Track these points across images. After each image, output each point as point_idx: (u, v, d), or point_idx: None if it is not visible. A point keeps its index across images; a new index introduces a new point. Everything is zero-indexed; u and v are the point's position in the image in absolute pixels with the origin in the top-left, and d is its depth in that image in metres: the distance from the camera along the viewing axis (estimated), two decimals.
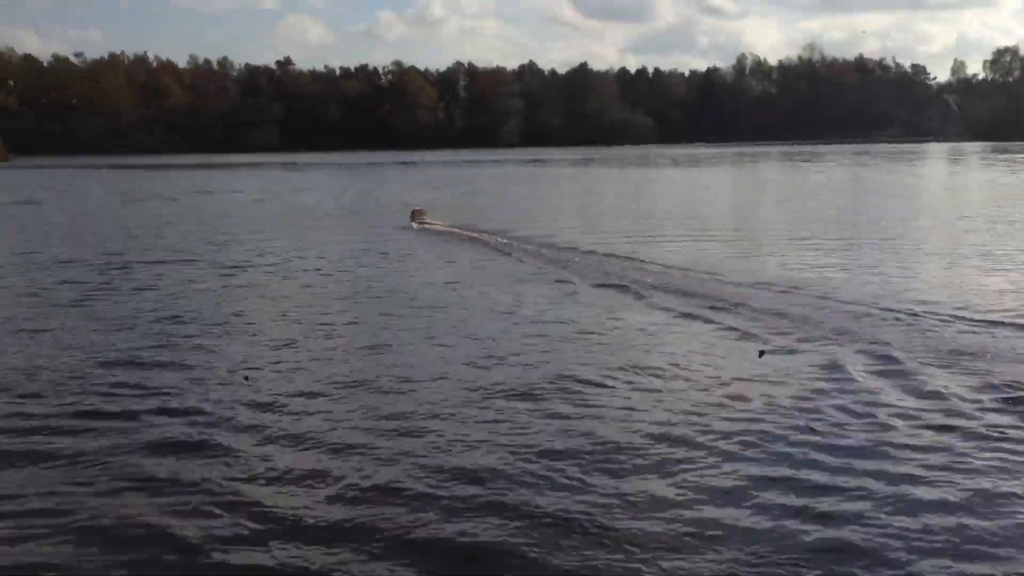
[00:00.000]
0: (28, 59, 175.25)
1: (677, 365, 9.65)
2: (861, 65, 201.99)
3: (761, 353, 10.17)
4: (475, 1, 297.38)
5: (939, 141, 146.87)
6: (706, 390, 8.74)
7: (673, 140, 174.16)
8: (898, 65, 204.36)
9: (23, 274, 17.50)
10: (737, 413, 7.97)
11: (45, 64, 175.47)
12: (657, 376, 9.24)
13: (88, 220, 30.79)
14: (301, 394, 8.84)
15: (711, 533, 5.65)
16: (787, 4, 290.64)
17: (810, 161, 75.82)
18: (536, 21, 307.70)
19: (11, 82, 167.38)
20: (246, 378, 9.56)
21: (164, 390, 8.99)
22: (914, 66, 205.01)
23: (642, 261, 17.54)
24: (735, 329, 11.31)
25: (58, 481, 6.67)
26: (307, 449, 7.30)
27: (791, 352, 10.13)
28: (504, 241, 21.51)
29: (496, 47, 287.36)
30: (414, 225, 26.70)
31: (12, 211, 35.27)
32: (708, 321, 11.80)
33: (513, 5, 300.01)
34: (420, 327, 11.89)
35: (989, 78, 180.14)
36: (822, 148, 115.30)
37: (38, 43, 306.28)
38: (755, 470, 6.64)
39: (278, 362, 10.14)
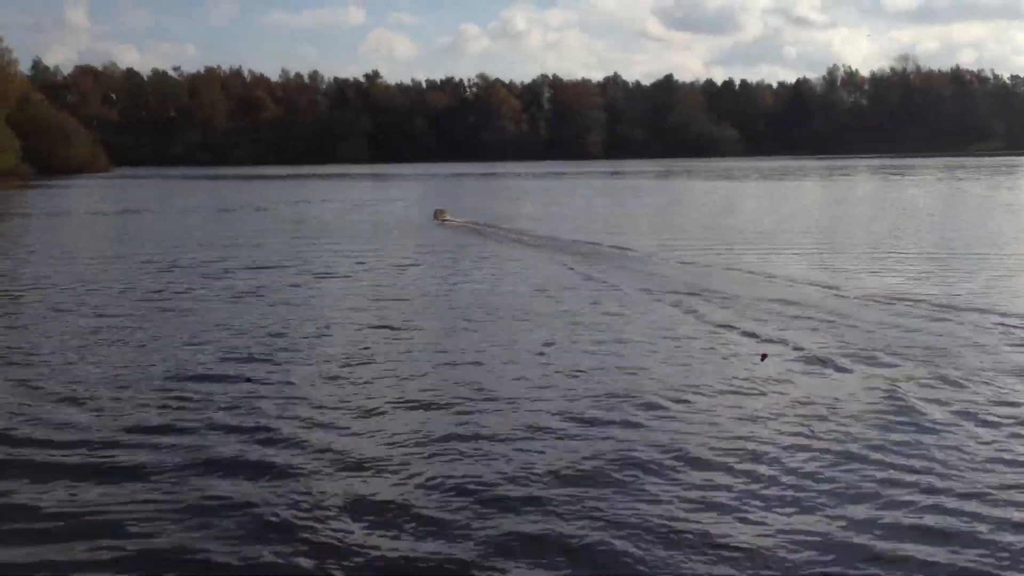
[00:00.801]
0: (130, 73, 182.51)
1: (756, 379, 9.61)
2: (957, 76, 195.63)
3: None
4: (559, 14, 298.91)
5: None
6: (789, 407, 8.69)
7: (760, 153, 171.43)
8: (996, 76, 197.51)
9: (124, 280, 18.23)
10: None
11: (145, 78, 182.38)
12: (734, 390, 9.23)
13: (186, 228, 31.91)
14: (390, 406, 9.07)
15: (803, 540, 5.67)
16: (878, 14, 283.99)
17: (903, 175, 73.77)
18: (620, 34, 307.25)
19: (113, 96, 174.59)
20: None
21: (239, 403, 9.17)
22: (1014, 77, 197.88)
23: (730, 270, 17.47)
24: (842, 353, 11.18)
25: (135, 497, 6.69)
26: (392, 469, 7.51)
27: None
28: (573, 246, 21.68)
29: (580, 59, 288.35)
30: (436, 222, 32.28)
31: (116, 220, 36.77)
32: (797, 347, 11.63)
33: (597, 18, 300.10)
34: (502, 337, 12.06)
35: None
36: (917, 161, 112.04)
37: (138, 58, 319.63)
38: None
39: (372, 376, 10.41)
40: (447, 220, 32.33)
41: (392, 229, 30.83)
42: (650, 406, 8.66)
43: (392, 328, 12.77)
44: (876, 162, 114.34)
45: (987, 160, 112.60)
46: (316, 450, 7.57)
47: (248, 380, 9.86)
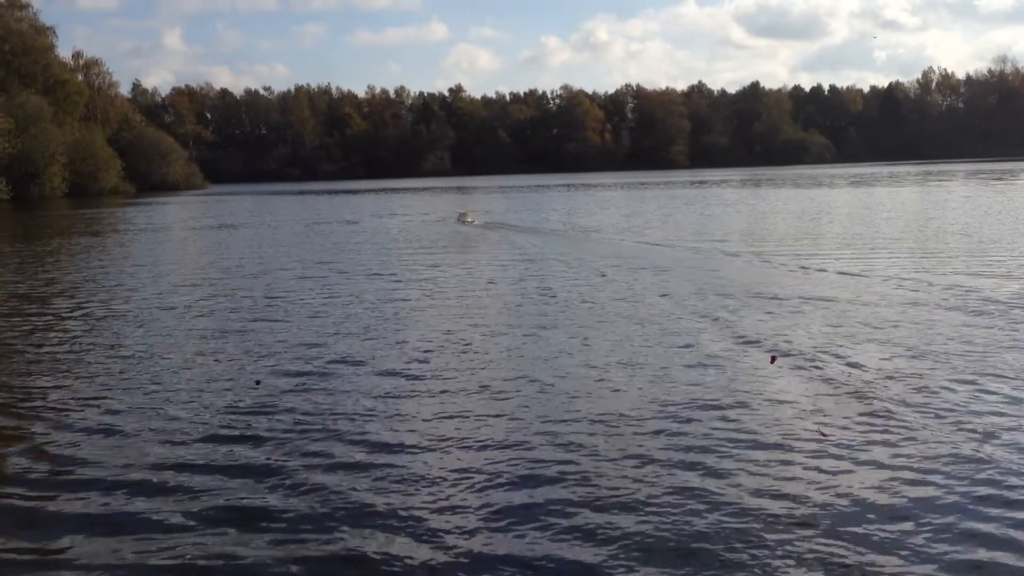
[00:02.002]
0: (223, 93, 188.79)
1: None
2: None
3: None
4: (640, 24, 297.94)
5: None
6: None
7: (851, 159, 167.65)
8: None
9: (220, 289, 18.87)
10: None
11: (238, 97, 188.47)
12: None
13: (280, 241, 32.80)
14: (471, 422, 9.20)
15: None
16: (971, 15, 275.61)
17: (1002, 178, 71.03)
18: (703, 42, 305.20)
19: (208, 115, 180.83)
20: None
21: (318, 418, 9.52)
22: None
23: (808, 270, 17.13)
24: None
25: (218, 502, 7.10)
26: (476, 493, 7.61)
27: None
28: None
29: (663, 69, 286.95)
30: (459, 222, 37.61)
31: (214, 234, 38.02)
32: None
33: (679, 27, 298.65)
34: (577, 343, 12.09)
35: None
36: (1018, 165, 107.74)
37: (231, 79, 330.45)
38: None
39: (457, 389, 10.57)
40: (468, 221, 37.57)
41: (472, 239, 31.16)
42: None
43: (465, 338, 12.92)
44: (974, 166, 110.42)
45: None
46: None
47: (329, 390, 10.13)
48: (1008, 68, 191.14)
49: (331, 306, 16.23)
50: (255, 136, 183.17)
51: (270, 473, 7.36)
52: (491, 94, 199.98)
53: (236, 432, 8.50)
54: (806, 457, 7.35)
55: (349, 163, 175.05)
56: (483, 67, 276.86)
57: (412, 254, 26.15)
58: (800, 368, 10.30)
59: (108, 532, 6.29)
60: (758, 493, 6.61)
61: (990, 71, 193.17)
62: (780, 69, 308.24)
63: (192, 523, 6.40)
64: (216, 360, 11.73)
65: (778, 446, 7.65)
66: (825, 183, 76.80)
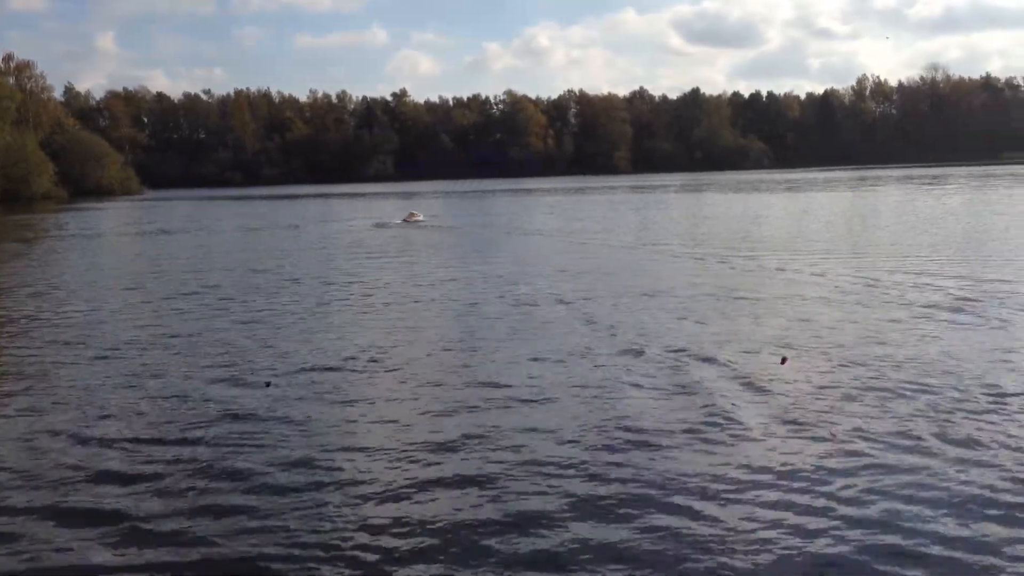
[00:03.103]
0: (160, 97, 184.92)
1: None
2: (988, 83, 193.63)
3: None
4: (581, 31, 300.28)
5: None
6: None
7: (789, 164, 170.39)
8: None
9: (148, 302, 18.46)
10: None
11: (175, 101, 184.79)
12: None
13: (214, 248, 32.24)
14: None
15: None
16: (901, 25, 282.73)
17: (934, 184, 72.96)
18: (643, 49, 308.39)
19: (144, 119, 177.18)
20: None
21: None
22: None
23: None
24: None
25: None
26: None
27: None
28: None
29: (605, 75, 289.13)
30: (405, 222, 41.31)
31: (149, 241, 37.23)
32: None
33: (619, 34, 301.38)
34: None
35: None
36: (950, 171, 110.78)
37: (167, 83, 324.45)
38: None
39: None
40: (416, 220, 42.10)
41: (419, 248, 30.99)
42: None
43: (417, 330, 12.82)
44: (905, 172, 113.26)
45: (1019, 168, 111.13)
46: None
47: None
48: (939, 76, 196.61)
49: (266, 311, 15.96)
50: (194, 140, 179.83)
51: (180, 481, 7.17)
52: (434, 99, 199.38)
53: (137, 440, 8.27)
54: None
55: (291, 168, 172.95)
56: (425, 72, 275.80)
57: (349, 260, 25.89)
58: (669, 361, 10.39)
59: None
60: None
61: (922, 79, 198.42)
62: (718, 76, 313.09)
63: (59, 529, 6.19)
64: (143, 365, 11.54)
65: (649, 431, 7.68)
66: (763, 188, 78.05)
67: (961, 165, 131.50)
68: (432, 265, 23.83)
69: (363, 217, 49.82)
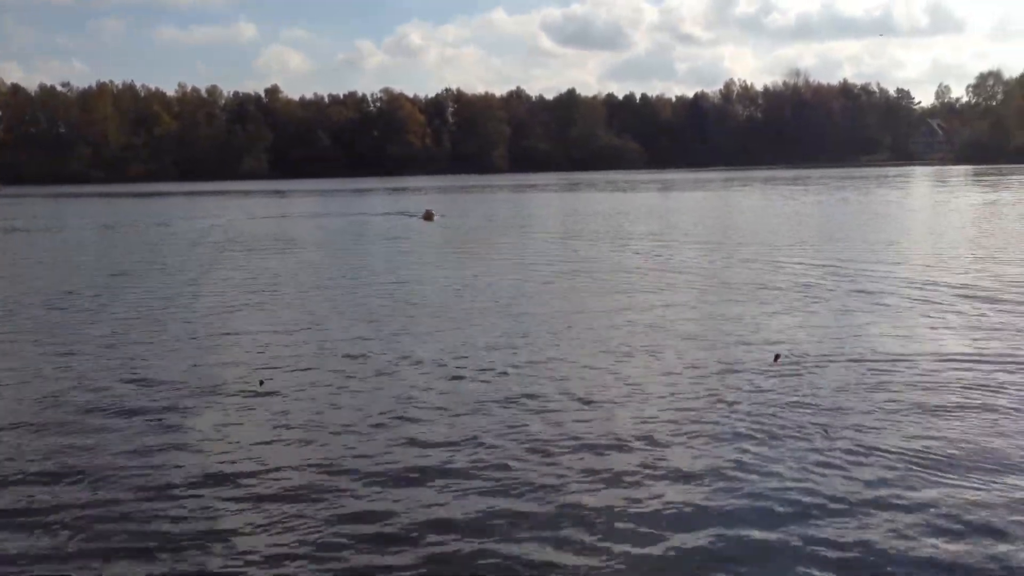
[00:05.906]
0: (15, 89, 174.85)
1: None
2: (846, 89, 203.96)
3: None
4: (454, 30, 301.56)
5: (925, 164, 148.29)
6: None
7: (662, 165, 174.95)
8: (882, 90, 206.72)
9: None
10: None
11: (32, 94, 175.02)
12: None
13: (71, 247, 30.82)
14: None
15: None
16: (760, 33, 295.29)
17: (794, 184, 76.27)
18: (516, 50, 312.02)
19: None
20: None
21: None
22: (899, 90, 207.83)
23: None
24: None
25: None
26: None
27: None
28: None
29: (480, 75, 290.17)
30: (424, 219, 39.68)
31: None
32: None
33: (491, 34, 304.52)
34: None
35: (972, 102, 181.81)
36: (810, 172, 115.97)
37: (23, 76, 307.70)
38: None
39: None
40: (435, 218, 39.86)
41: (294, 244, 30.35)
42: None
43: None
44: (770, 173, 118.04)
45: (877, 171, 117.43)
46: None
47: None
48: (801, 81, 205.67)
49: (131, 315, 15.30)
50: (52, 135, 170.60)
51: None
52: (309, 96, 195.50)
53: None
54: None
55: (160, 165, 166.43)
56: (296, 69, 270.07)
57: (219, 253, 25.16)
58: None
59: None
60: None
61: (785, 83, 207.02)
62: (590, 78, 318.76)
63: None
64: None
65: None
66: (640, 188, 79.91)
67: (821, 167, 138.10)
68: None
69: (236, 216, 48.46)
